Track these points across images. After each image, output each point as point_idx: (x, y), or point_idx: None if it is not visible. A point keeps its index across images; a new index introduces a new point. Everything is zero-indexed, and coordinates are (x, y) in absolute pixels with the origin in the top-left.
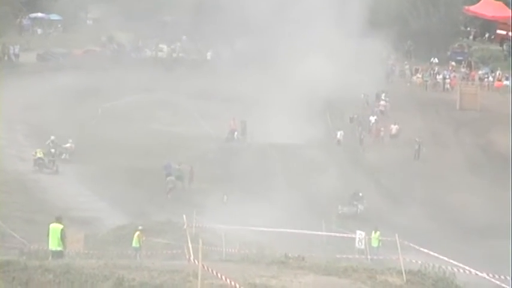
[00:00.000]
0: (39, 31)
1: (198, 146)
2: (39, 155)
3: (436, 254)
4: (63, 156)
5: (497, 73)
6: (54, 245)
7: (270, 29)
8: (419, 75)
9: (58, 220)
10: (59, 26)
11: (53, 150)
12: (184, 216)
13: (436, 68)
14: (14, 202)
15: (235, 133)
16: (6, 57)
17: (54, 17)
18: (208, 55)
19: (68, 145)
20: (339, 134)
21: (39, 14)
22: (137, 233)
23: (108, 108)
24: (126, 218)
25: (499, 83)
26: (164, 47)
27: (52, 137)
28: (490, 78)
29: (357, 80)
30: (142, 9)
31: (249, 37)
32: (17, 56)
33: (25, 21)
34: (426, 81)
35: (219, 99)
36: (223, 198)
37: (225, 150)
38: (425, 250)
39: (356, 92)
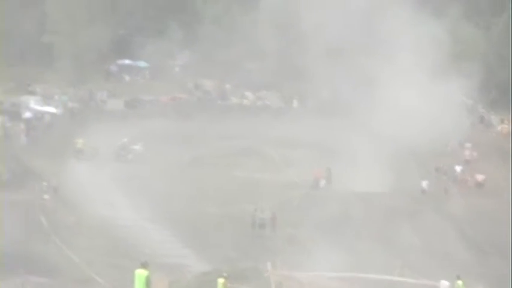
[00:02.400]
0: (127, 78)
1: (283, 193)
2: None
3: None
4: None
5: None
6: None
7: (355, 78)
8: (505, 125)
9: (144, 266)
10: (146, 72)
11: None
12: (268, 263)
13: None
14: (99, 247)
15: (320, 180)
16: (93, 103)
17: (141, 63)
18: (294, 103)
19: None
20: (424, 184)
21: (127, 61)
22: (222, 280)
23: (193, 155)
24: (210, 264)
25: None
26: (249, 94)
27: None
28: None
29: (442, 128)
30: (228, 56)
31: (335, 86)
32: (104, 102)
33: (112, 68)
34: None
35: (304, 147)
36: (307, 245)
37: (309, 198)
38: None
39: (441, 141)
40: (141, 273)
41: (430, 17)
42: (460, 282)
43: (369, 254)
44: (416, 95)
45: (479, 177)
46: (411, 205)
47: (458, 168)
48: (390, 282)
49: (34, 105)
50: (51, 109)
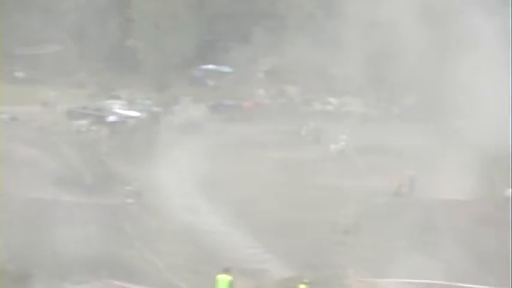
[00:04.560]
0: (210, 83)
1: (366, 200)
2: None
3: None
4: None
5: None
6: None
7: (440, 83)
8: None
9: (226, 271)
10: (230, 78)
11: None
12: (350, 269)
13: None
14: (181, 252)
15: (403, 188)
16: (177, 108)
17: (225, 69)
18: (379, 108)
19: None
20: (507, 191)
21: (211, 66)
22: (303, 286)
23: (277, 161)
24: (292, 270)
25: None
26: (333, 100)
27: None
28: None
29: None
30: (312, 62)
31: (418, 91)
32: (188, 106)
33: (196, 73)
34: None
35: (387, 153)
36: (389, 252)
37: (392, 205)
38: None
39: None
40: (224, 279)
41: None
42: None
43: (452, 262)
44: (502, 103)
45: None
46: (495, 213)
47: None
48: None
49: (118, 109)
50: (135, 113)
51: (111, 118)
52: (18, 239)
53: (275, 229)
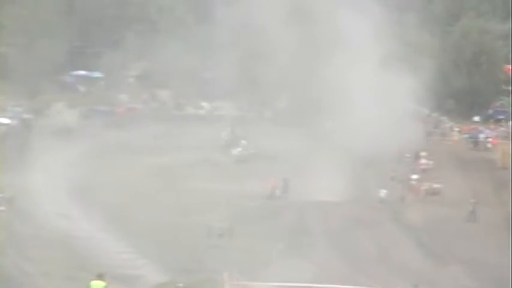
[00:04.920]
0: (82, 89)
1: (239, 204)
2: None
3: None
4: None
5: None
6: None
7: (311, 87)
8: (461, 134)
9: (100, 277)
10: (101, 83)
11: None
12: (225, 274)
13: (477, 127)
14: (54, 259)
15: (277, 191)
16: (48, 114)
17: (96, 74)
18: (251, 112)
19: None
20: (382, 192)
21: (82, 72)
22: None
23: (149, 166)
24: (167, 275)
25: None
26: (205, 104)
27: None
28: None
29: (398, 137)
30: (183, 66)
31: (290, 93)
32: (59, 113)
33: (68, 79)
34: (468, 139)
35: (260, 156)
36: (264, 256)
37: (266, 208)
38: None
39: (397, 149)
40: (97, 285)
41: (386, 27)
42: None
43: (327, 264)
44: (372, 104)
45: (435, 186)
46: (369, 214)
47: (414, 177)
48: None
49: None
50: (6, 120)
51: None
52: None
53: (149, 234)
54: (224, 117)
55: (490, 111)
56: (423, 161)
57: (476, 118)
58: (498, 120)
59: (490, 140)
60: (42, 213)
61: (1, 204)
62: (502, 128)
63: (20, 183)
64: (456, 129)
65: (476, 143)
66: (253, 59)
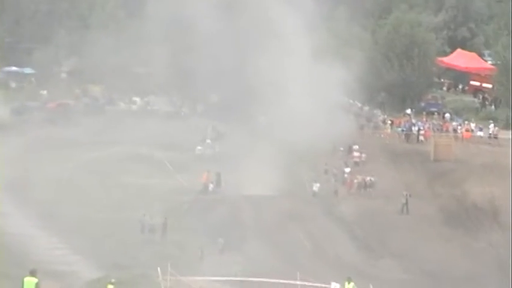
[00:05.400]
0: (13, 85)
1: (172, 199)
2: None
3: None
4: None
5: (465, 124)
6: None
7: (243, 80)
8: (393, 127)
9: (32, 274)
10: (33, 79)
11: None
12: (158, 269)
13: (410, 120)
14: None
15: (210, 185)
16: None
17: (27, 70)
18: (183, 107)
19: None
20: (315, 186)
21: (13, 68)
22: (111, 286)
23: (81, 161)
24: (101, 271)
25: (468, 133)
26: (137, 99)
27: None
28: (463, 129)
29: (331, 131)
30: (115, 61)
31: (223, 88)
32: None
33: None
34: (401, 132)
35: (193, 151)
36: (197, 250)
37: (199, 203)
38: None
39: (330, 143)
40: (30, 281)
41: (318, 20)
42: (350, 284)
43: (260, 258)
44: (305, 98)
45: (368, 179)
46: (302, 208)
47: (347, 170)
48: (281, 285)
49: None
50: None
51: None
52: None
53: (82, 230)
54: (157, 113)
55: (423, 104)
56: (356, 154)
57: (409, 111)
58: (431, 113)
59: (422, 132)
60: None
61: None
62: (435, 121)
63: None
64: (389, 122)
65: (408, 135)
66: (185, 53)
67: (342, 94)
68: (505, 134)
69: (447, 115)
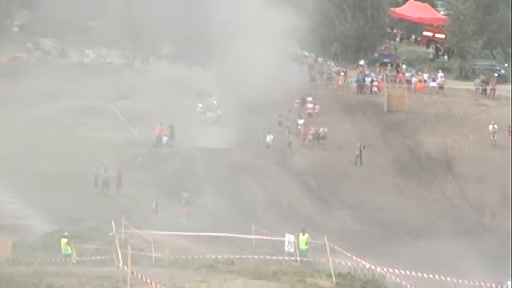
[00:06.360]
0: None
1: (126, 152)
2: None
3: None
4: None
5: (419, 74)
6: None
7: (195, 32)
8: (346, 78)
9: None
10: None
11: None
12: (112, 222)
13: (364, 71)
14: None
15: (163, 138)
16: None
17: None
18: (136, 60)
19: None
20: (268, 138)
21: None
22: (65, 240)
23: (34, 115)
24: (55, 224)
25: (421, 84)
26: (90, 52)
27: None
28: (417, 80)
29: (284, 82)
30: (67, 15)
31: (175, 39)
32: None
33: None
34: (354, 83)
35: (146, 104)
36: (152, 203)
37: (152, 155)
38: (354, 253)
39: (283, 95)
40: None
41: None
42: (305, 235)
43: (214, 211)
44: (257, 50)
45: (322, 130)
46: (256, 160)
47: (300, 122)
48: (236, 238)
49: None
50: None
51: None
52: None
53: (36, 184)
54: (110, 65)
55: (376, 55)
56: (309, 105)
57: (362, 62)
58: (384, 64)
59: (375, 83)
60: None
61: None
62: (388, 72)
63: None
64: (342, 73)
65: (362, 86)
66: (136, 4)
67: (296, 45)
68: (458, 84)
69: (404, 66)
